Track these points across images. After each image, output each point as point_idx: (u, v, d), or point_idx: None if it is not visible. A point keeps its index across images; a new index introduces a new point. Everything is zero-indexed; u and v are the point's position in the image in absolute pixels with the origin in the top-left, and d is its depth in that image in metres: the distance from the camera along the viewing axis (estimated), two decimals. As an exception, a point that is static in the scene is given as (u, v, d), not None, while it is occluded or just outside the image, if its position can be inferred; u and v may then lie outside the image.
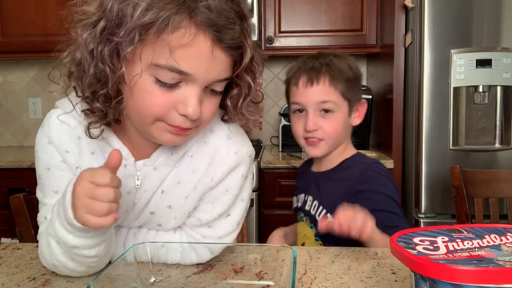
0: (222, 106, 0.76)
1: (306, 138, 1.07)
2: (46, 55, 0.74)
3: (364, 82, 2.54)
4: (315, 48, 2.25)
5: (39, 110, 2.69)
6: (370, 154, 2.06)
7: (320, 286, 0.69)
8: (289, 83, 1.10)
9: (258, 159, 2.01)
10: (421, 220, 1.83)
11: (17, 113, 2.72)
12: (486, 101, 1.75)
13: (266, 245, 0.79)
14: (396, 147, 2.01)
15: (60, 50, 0.68)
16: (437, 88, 1.77)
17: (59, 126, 0.75)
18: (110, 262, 0.76)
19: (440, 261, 0.44)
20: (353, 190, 1.02)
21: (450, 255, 0.46)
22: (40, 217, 0.77)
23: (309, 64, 1.06)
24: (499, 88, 1.76)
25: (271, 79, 2.63)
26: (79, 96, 0.69)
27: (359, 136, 2.22)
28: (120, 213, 0.77)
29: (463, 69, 1.74)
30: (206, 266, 0.76)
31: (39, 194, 0.78)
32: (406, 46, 1.94)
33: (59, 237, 0.66)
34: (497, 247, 0.48)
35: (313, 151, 1.08)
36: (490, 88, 1.74)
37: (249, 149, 0.79)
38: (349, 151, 1.12)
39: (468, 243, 0.49)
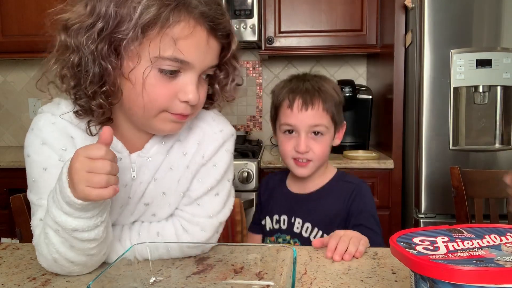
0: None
1: (294, 159, 1.10)
2: (46, 55, 0.76)
3: (364, 82, 2.55)
4: (315, 48, 2.26)
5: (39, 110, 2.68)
6: (370, 154, 2.06)
7: (320, 286, 0.69)
8: (280, 104, 1.12)
9: (258, 159, 2.01)
10: (421, 220, 1.83)
11: (17, 113, 2.72)
12: (486, 101, 1.75)
13: (266, 245, 0.79)
14: (396, 147, 2.01)
15: (45, 51, 0.72)
16: (437, 88, 1.77)
17: (51, 127, 0.76)
18: (105, 262, 0.76)
19: (440, 261, 0.44)
20: (345, 209, 1.09)
21: (450, 255, 0.46)
22: (35, 221, 0.75)
23: (302, 86, 1.09)
24: (499, 88, 1.76)
25: (271, 79, 2.63)
26: (73, 98, 0.72)
27: (359, 136, 2.23)
28: (116, 208, 0.79)
29: (463, 69, 1.74)
30: (206, 266, 0.76)
31: (33, 197, 0.76)
32: (406, 46, 1.94)
33: (57, 223, 0.66)
34: (497, 247, 0.48)
35: (301, 171, 1.10)
36: (490, 88, 1.74)
37: (232, 129, 0.88)
38: (330, 170, 1.18)
39: (468, 243, 0.49)
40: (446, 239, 0.50)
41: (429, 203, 1.81)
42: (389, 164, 1.98)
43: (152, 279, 0.70)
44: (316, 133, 1.09)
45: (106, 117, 0.74)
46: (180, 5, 0.67)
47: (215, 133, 0.84)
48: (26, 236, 1.16)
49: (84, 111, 0.73)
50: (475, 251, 0.47)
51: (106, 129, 0.65)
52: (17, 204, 1.18)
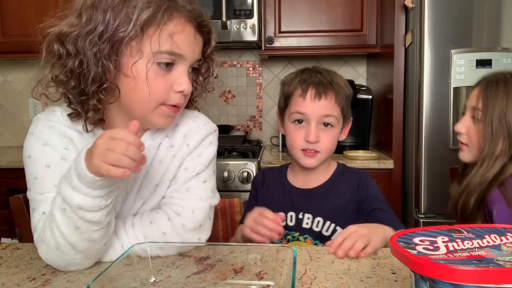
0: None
1: (302, 150, 1.10)
2: (43, 60, 0.80)
3: (364, 82, 2.55)
4: (315, 48, 2.26)
5: (39, 110, 2.69)
6: (370, 154, 2.06)
7: (320, 286, 0.69)
8: (292, 93, 1.12)
9: (258, 159, 2.01)
10: (421, 220, 1.83)
11: (17, 113, 2.72)
12: (486, 101, 1.75)
13: (266, 245, 0.79)
14: (396, 147, 2.01)
15: (38, 52, 0.79)
16: (437, 88, 1.77)
17: (50, 130, 0.82)
18: (99, 261, 0.76)
19: (440, 261, 0.44)
20: (355, 198, 1.11)
21: (450, 255, 0.46)
22: (37, 215, 0.77)
23: (315, 77, 1.11)
24: (499, 88, 1.76)
25: (271, 79, 2.63)
26: (68, 101, 0.80)
27: (359, 136, 2.22)
28: (117, 203, 0.85)
29: (463, 69, 1.74)
30: (206, 266, 0.76)
31: (34, 194, 0.78)
32: (406, 46, 1.94)
33: (65, 200, 0.70)
34: (497, 247, 0.48)
35: (309, 162, 1.10)
36: (490, 88, 1.74)
37: (214, 125, 0.95)
38: (332, 164, 1.19)
39: (468, 243, 0.49)
40: (446, 239, 0.50)
41: (429, 203, 1.81)
42: (389, 164, 1.98)
43: (152, 279, 0.70)
44: (326, 124, 1.09)
45: (98, 118, 0.81)
46: (171, 6, 0.77)
47: (199, 127, 0.92)
48: (26, 236, 1.16)
49: (77, 114, 0.80)
50: (475, 251, 0.47)
51: (134, 122, 0.71)
52: (17, 205, 1.18)
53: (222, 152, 2.06)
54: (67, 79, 0.77)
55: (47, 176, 0.78)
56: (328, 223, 1.10)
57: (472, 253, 0.47)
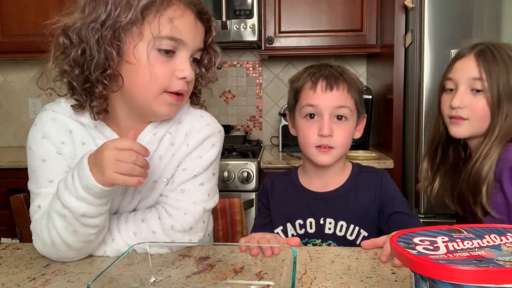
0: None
1: (317, 147, 1.04)
2: (46, 55, 0.81)
3: (364, 82, 2.55)
4: (315, 48, 2.26)
5: (39, 110, 2.66)
6: (370, 154, 2.06)
7: (320, 286, 0.69)
8: (301, 87, 1.07)
9: (258, 159, 2.01)
10: (421, 220, 1.82)
11: (17, 113, 2.72)
12: (486, 101, 1.75)
13: (266, 245, 0.79)
14: (396, 147, 2.01)
15: (45, 52, 0.80)
16: (437, 88, 1.77)
17: (52, 123, 0.84)
18: (98, 261, 0.76)
19: (440, 261, 0.44)
20: (378, 198, 1.06)
21: (450, 255, 0.46)
22: (33, 207, 0.81)
23: (324, 70, 1.07)
24: (499, 88, 1.75)
25: (271, 79, 2.63)
26: (71, 92, 0.82)
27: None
28: (117, 196, 0.86)
29: (463, 69, 1.73)
30: (206, 266, 0.76)
31: (32, 186, 0.83)
32: (406, 46, 1.94)
33: (68, 208, 0.72)
34: (497, 247, 0.48)
35: (324, 158, 1.04)
36: (490, 88, 1.74)
37: (219, 126, 0.93)
38: (347, 164, 1.14)
39: (468, 243, 0.49)
40: (446, 239, 0.50)
41: (429, 203, 1.81)
42: (389, 164, 1.98)
43: (152, 279, 0.70)
44: (339, 118, 1.03)
45: (104, 107, 0.82)
46: None
47: (201, 127, 0.90)
48: (26, 236, 1.16)
49: (80, 105, 0.82)
50: (475, 251, 0.47)
51: (132, 132, 0.76)
52: (17, 204, 1.18)
53: (222, 152, 2.05)
54: (71, 69, 0.79)
55: (42, 170, 0.82)
56: (352, 226, 1.04)
57: (472, 253, 0.47)
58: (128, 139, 0.73)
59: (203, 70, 0.91)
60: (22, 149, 2.57)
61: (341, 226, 1.04)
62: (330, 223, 1.05)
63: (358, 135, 1.11)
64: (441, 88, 1.18)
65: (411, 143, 1.91)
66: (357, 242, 1.03)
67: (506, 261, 0.44)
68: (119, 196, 0.87)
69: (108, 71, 0.77)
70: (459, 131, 1.12)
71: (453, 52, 1.73)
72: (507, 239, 0.50)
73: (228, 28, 2.16)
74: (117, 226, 0.84)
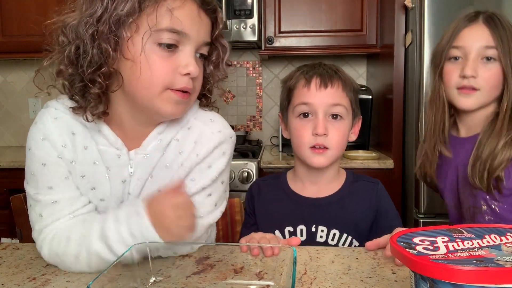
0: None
1: (311, 148, 0.99)
2: (46, 55, 0.79)
3: (364, 82, 2.55)
4: (315, 48, 2.26)
5: (39, 110, 2.67)
6: (370, 154, 2.06)
7: (320, 286, 0.69)
8: (294, 86, 1.03)
9: (258, 159, 2.01)
10: (421, 220, 1.82)
11: (17, 113, 2.72)
12: (486, 101, 1.75)
13: (266, 245, 0.79)
14: (396, 147, 2.01)
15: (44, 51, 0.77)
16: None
17: (54, 123, 0.80)
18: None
19: (440, 261, 0.44)
20: (373, 208, 1.03)
21: (450, 255, 0.46)
22: (35, 215, 0.79)
23: (318, 68, 1.03)
24: (499, 88, 1.75)
25: (271, 79, 2.63)
26: (69, 91, 0.77)
27: (359, 136, 2.21)
28: (116, 202, 0.83)
29: (463, 69, 1.73)
30: (206, 266, 0.76)
31: (30, 189, 0.79)
32: (406, 46, 1.94)
33: (117, 255, 0.70)
34: (497, 247, 0.48)
35: (318, 160, 0.99)
36: (490, 88, 1.74)
37: (231, 131, 0.88)
38: (342, 171, 1.10)
39: (468, 243, 0.49)
40: (446, 239, 0.50)
41: (429, 203, 1.81)
42: (389, 164, 1.98)
43: (152, 279, 0.70)
44: (334, 117, 0.99)
45: (101, 110, 0.77)
46: None
47: (212, 133, 0.84)
48: (26, 236, 1.16)
49: (78, 107, 0.77)
50: (475, 251, 0.47)
51: (181, 181, 0.78)
52: (17, 204, 1.18)
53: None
54: (65, 68, 0.75)
55: (42, 175, 0.78)
56: (345, 235, 1.00)
57: (472, 253, 0.47)
58: (181, 194, 0.73)
59: (211, 67, 0.85)
60: (22, 149, 2.56)
61: (334, 234, 1.01)
62: (322, 231, 1.01)
63: (353, 137, 1.07)
64: (439, 61, 1.11)
65: (411, 143, 1.91)
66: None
67: (506, 261, 0.44)
68: (118, 203, 0.83)
69: (103, 69, 0.72)
70: (468, 102, 1.05)
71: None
72: (507, 239, 0.50)
73: (228, 28, 2.16)
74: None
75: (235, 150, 0.92)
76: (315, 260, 0.80)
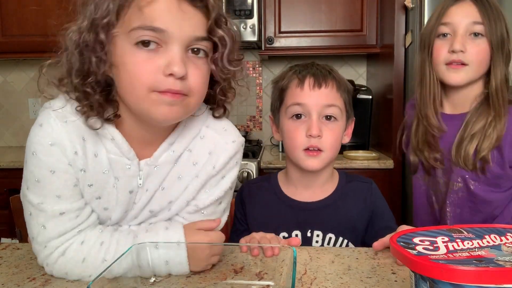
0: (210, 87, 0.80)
1: (305, 150, 0.97)
2: (46, 55, 0.77)
3: (364, 82, 2.55)
4: (315, 48, 2.26)
5: (39, 110, 2.68)
6: (370, 154, 2.06)
7: (320, 286, 0.69)
8: (287, 86, 1.00)
9: (258, 159, 2.01)
10: (421, 220, 1.82)
11: (17, 113, 2.72)
12: (486, 101, 1.75)
13: (266, 245, 0.79)
14: (396, 147, 2.01)
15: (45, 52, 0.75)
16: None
17: (65, 128, 0.72)
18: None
19: (440, 261, 0.44)
20: (368, 208, 1.02)
21: (450, 255, 0.46)
22: (36, 225, 0.73)
23: (311, 68, 1.01)
24: (499, 88, 1.75)
25: (271, 79, 2.63)
26: (71, 97, 0.74)
27: (359, 136, 2.22)
28: (120, 211, 0.79)
29: (463, 69, 1.73)
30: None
31: (33, 198, 0.72)
32: (406, 46, 1.94)
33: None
34: (497, 247, 0.48)
35: (312, 163, 0.96)
36: (490, 88, 1.74)
37: (242, 139, 0.87)
38: (335, 173, 1.08)
39: (468, 243, 0.49)
40: (446, 239, 0.50)
41: (429, 203, 1.81)
42: (389, 164, 1.98)
43: (152, 279, 0.70)
44: (328, 118, 0.97)
45: (111, 113, 0.73)
46: None
47: (226, 143, 0.82)
48: (26, 236, 1.16)
49: (83, 112, 0.72)
50: (475, 251, 0.47)
51: (218, 220, 0.82)
52: (17, 204, 1.18)
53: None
54: (63, 76, 0.73)
55: (50, 183, 0.72)
56: (341, 239, 0.99)
57: (472, 253, 0.47)
58: (215, 232, 0.78)
59: (213, 67, 0.76)
60: (22, 149, 2.55)
61: (330, 238, 0.99)
62: (317, 235, 0.99)
63: (346, 139, 1.04)
64: (428, 41, 1.13)
65: (411, 143, 1.90)
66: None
67: (506, 261, 0.44)
68: (122, 213, 0.80)
69: (90, 78, 0.69)
70: (458, 77, 1.08)
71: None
72: (507, 239, 0.50)
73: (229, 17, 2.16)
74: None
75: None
76: (315, 260, 0.80)
